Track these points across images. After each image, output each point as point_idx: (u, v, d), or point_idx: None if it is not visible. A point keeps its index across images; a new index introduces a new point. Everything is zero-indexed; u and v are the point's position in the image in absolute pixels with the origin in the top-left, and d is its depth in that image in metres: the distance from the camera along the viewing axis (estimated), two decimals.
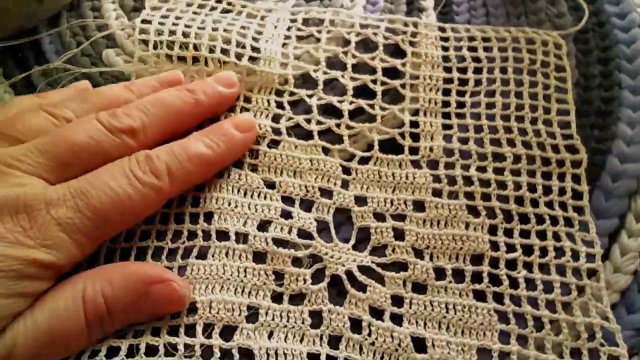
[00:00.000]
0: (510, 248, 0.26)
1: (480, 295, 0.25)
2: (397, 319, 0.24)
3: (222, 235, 0.26)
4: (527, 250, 0.26)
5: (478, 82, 0.32)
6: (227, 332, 0.24)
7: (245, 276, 0.25)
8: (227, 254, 0.26)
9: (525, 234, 0.26)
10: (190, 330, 0.23)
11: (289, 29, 0.34)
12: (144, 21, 0.33)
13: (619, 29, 0.34)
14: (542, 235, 0.26)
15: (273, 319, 0.24)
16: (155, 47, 0.32)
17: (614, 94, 0.31)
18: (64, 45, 0.33)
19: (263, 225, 0.27)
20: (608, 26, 0.34)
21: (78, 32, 0.34)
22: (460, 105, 0.31)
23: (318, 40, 0.33)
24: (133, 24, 0.34)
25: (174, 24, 0.33)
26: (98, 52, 0.33)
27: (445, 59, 0.33)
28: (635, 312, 0.24)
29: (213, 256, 0.26)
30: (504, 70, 0.32)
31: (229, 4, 0.35)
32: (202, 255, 0.26)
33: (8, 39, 0.32)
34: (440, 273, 0.25)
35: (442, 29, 0.34)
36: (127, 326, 0.23)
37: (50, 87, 0.32)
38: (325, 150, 0.29)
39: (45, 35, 0.34)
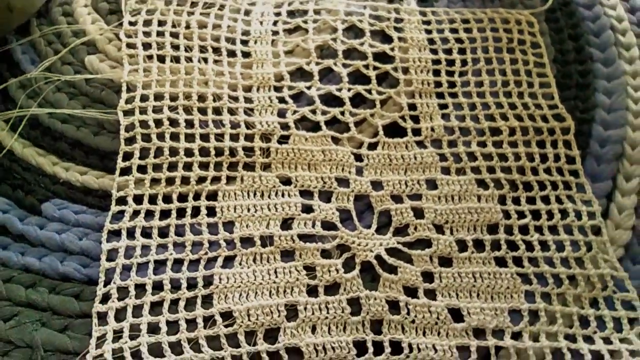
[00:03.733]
0: (520, 215, 0.28)
1: (501, 262, 0.26)
2: (430, 294, 0.25)
3: (247, 241, 0.26)
4: (535, 215, 0.28)
5: (464, 62, 0.33)
6: (271, 334, 0.24)
7: (276, 277, 0.25)
8: (254, 260, 0.26)
9: (531, 200, 0.28)
10: (232, 341, 0.23)
11: (275, 23, 0.34)
12: (130, 23, 0.31)
13: (582, 6, 0.37)
14: (545, 200, 0.28)
15: (313, 313, 0.24)
16: (144, 50, 0.31)
17: (588, 67, 0.34)
18: (40, 54, 0.31)
19: (286, 223, 0.27)
20: (573, 5, 0.37)
21: (53, 39, 0.32)
22: (451, 84, 0.32)
23: (306, 31, 0.33)
24: (113, 27, 0.32)
25: (160, 23, 0.32)
26: (79, 59, 0.31)
27: (430, 41, 0.34)
28: None
29: (240, 264, 0.25)
30: (485, 50, 0.34)
31: None
32: (228, 264, 0.25)
33: None
34: (462, 245, 0.27)
35: (423, 13, 0.35)
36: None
37: (31, 99, 0.30)
38: (335, 140, 0.29)
39: (17, 45, 0.31)
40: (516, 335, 0.24)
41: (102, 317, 0.23)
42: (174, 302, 0.24)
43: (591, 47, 0.35)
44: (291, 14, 0.34)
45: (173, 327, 0.23)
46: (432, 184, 0.29)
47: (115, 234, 0.26)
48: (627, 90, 0.33)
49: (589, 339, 0.24)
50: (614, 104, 0.32)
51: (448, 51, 0.34)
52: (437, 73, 0.33)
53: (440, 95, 0.32)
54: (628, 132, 0.31)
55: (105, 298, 0.24)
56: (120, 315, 0.24)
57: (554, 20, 0.36)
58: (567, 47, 0.35)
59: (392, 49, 0.33)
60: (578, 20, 0.36)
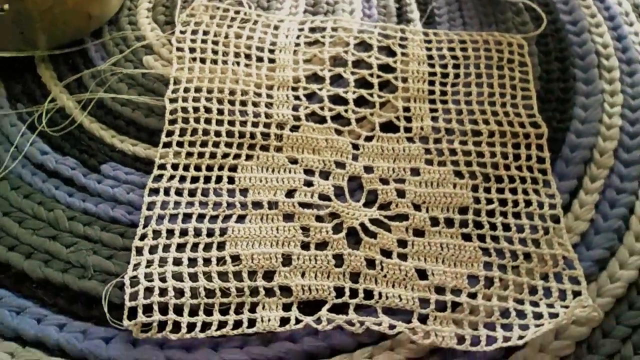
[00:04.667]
0: (489, 201, 0.33)
1: (467, 237, 0.31)
2: (402, 257, 0.30)
3: (257, 205, 0.32)
4: (502, 202, 0.33)
5: (457, 76, 0.39)
6: (268, 275, 0.29)
7: (277, 233, 0.31)
8: (262, 219, 0.32)
9: (500, 190, 0.33)
10: (237, 277, 0.29)
11: (298, 36, 0.41)
12: (181, 32, 0.39)
13: (572, 33, 0.42)
14: (513, 191, 0.33)
15: (304, 262, 0.30)
16: (190, 53, 0.38)
17: (570, 85, 0.39)
18: (108, 53, 0.39)
19: (290, 193, 0.33)
20: (563, 32, 0.42)
21: (119, 42, 0.40)
22: (443, 93, 0.38)
23: (323, 44, 0.40)
24: (167, 35, 0.40)
25: (204, 33, 0.39)
26: (138, 58, 0.39)
27: (429, 57, 0.40)
28: (592, 249, 0.31)
29: (250, 221, 0.31)
30: (477, 66, 0.39)
31: (246, 14, 0.41)
32: (241, 220, 0.31)
33: (60, 49, 0.38)
34: (435, 221, 0.32)
35: (426, 34, 0.41)
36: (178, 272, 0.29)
37: (99, 86, 0.37)
38: (338, 132, 0.35)
39: (91, 45, 0.40)
40: (471, 296, 0.29)
41: (139, 251, 0.30)
42: (195, 245, 0.30)
43: (575, 68, 0.40)
44: (312, 30, 0.41)
45: (192, 262, 0.30)
46: (415, 172, 0.34)
47: (154, 192, 0.32)
48: (604, 106, 0.38)
49: (534, 304, 0.29)
50: (589, 116, 0.37)
51: (444, 66, 0.39)
52: (432, 83, 0.38)
53: (432, 102, 0.37)
54: (599, 141, 0.36)
55: (143, 237, 0.30)
56: (152, 251, 0.30)
57: (544, 44, 0.41)
58: (552, 67, 0.40)
59: (395, 62, 0.39)
60: (566, 45, 0.41)
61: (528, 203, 0.33)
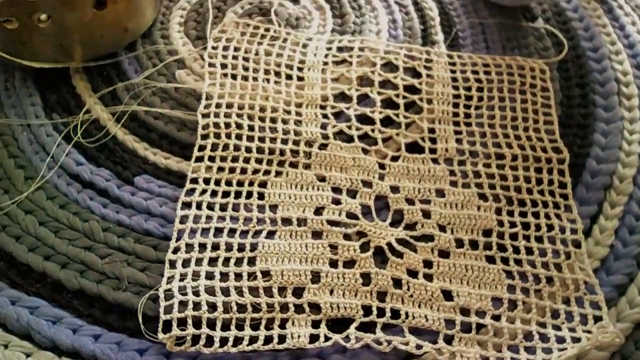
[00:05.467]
0: (512, 224, 0.33)
1: (491, 259, 0.32)
2: (428, 278, 0.31)
3: (286, 221, 0.33)
4: (525, 226, 0.33)
5: (480, 99, 0.40)
6: (298, 292, 0.30)
7: (306, 250, 0.32)
8: (291, 235, 0.32)
9: (523, 214, 0.34)
10: (267, 292, 0.30)
11: (326, 55, 0.42)
12: (212, 48, 0.40)
13: (592, 60, 0.43)
14: (536, 215, 0.34)
15: (332, 280, 0.31)
16: (221, 69, 0.39)
17: (590, 111, 0.40)
18: (141, 66, 0.40)
19: (318, 211, 0.34)
20: (584, 58, 0.43)
21: (152, 55, 0.41)
22: (467, 116, 0.39)
23: (350, 63, 0.41)
24: (199, 50, 0.41)
25: (236, 49, 0.40)
26: (171, 72, 0.40)
27: (454, 79, 0.41)
28: (612, 274, 0.32)
29: (280, 237, 0.32)
30: (500, 90, 0.40)
31: (275, 31, 0.42)
32: (270, 236, 0.32)
33: (94, 61, 0.39)
34: (459, 243, 0.33)
35: (450, 56, 0.42)
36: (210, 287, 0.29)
37: (132, 99, 0.38)
38: (365, 151, 0.36)
39: (125, 58, 0.41)
40: (495, 318, 0.30)
41: (172, 264, 0.31)
42: (226, 260, 0.31)
43: (595, 94, 0.41)
44: (340, 49, 0.42)
45: (224, 277, 0.30)
46: (440, 193, 0.35)
47: (187, 205, 0.33)
48: (623, 133, 0.38)
49: (557, 328, 0.29)
50: (609, 143, 0.38)
51: (468, 88, 0.40)
52: (456, 105, 0.39)
53: (456, 124, 0.38)
54: (618, 167, 0.36)
55: (176, 250, 0.31)
56: (185, 264, 0.31)
57: (565, 69, 0.42)
58: (573, 93, 0.41)
59: (420, 83, 0.40)
60: (587, 71, 0.42)
61: (550, 227, 0.33)
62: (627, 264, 0.32)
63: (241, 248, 0.32)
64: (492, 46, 0.44)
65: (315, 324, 0.29)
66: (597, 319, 0.30)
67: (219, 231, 0.32)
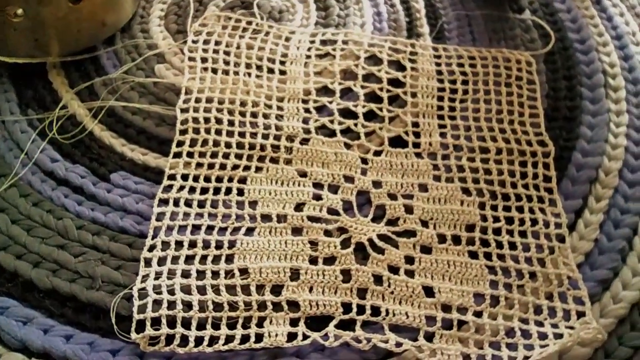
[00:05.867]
0: (496, 219, 0.33)
1: (473, 255, 0.31)
2: (410, 274, 0.30)
3: (266, 217, 0.32)
4: (509, 220, 0.33)
5: (465, 92, 0.39)
6: (276, 290, 0.29)
7: (286, 246, 0.31)
8: (270, 232, 0.32)
9: (507, 208, 0.33)
10: (245, 291, 0.29)
11: (309, 49, 0.41)
12: (193, 42, 0.39)
13: (579, 52, 0.42)
14: (519, 209, 0.33)
15: (312, 277, 0.30)
16: (202, 63, 0.38)
17: (577, 104, 0.39)
18: (120, 61, 0.39)
19: (298, 207, 0.33)
20: (571, 50, 0.42)
21: (131, 50, 0.40)
22: (452, 109, 0.38)
23: (334, 57, 0.40)
24: (179, 44, 0.40)
25: (216, 43, 0.39)
26: (150, 66, 0.39)
27: (438, 72, 0.40)
28: (596, 269, 0.31)
29: (259, 234, 0.32)
30: (485, 83, 0.39)
31: (258, 24, 0.42)
32: (249, 233, 0.32)
33: (72, 56, 0.39)
34: (442, 238, 0.32)
35: (435, 49, 0.41)
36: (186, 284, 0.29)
37: (110, 94, 0.37)
38: (347, 146, 0.36)
39: (103, 52, 0.40)
40: (477, 314, 0.29)
41: (148, 262, 0.30)
42: (204, 257, 0.30)
43: (582, 87, 0.40)
44: (323, 42, 0.41)
45: (200, 275, 0.30)
46: (423, 188, 0.34)
47: (164, 202, 0.32)
48: (609, 125, 0.38)
49: (539, 324, 0.29)
50: (595, 136, 0.37)
51: (453, 81, 0.39)
52: (440, 99, 0.39)
53: (440, 117, 0.38)
54: (604, 161, 0.36)
55: (151, 248, 0.31)
56: (161, 262, 0.30)
57: (552, 62, 0.42)
58: (560, 85, 0.40)
59: (405, 77, 0.39)
60: (574, 63, 0.41)
61: (534, 222, 0.33)
62: (612, 259, 0.31)
63: (219, 245, 0.31)
64: (478, 38, 0.43)
65: (294, 322, 0.29)
66: (581, 314, 0.29)
67: (196, 228, 0.32)
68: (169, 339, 0.27)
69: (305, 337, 0.28)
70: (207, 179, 0.34)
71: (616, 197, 0.34)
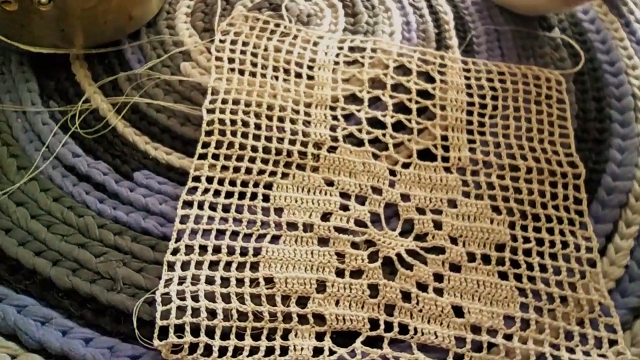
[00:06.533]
0: (526, 240, 0.32)
1: (503, 276, 0.31)
2: (438, 292, 0.30)
3: (292, 226, 0.31)
4: (539, 242, 0.32)
5: (495, 107, 0.38)
6: (302, 301, 0.29)
7: (312, 257, 0.30)
8: (296, 241, 0.31)
9: (537, 229, 0.33)
10: (270, 300, 0.28)
11: (337, 55, 0.40)
12: (220, 41, 0.38)
13: (609, 73, 0.42)
14: (550, 231, 0.33)
15: (338, 290, 0.29)
16: (228, 63, 0.37)
17: (606, 126, 0.39)
18: (145, 56, 0.39)
19: (325, 216, 0.32)
20: (600, 71, 0.42)
21: (157, 45, 0.39)
22: (481, 124, 0.37)
23: (362, 64, 0.40)
24: (206, 42, 0.39)
25: (244, 44, 0.39)
26: (176, 64, 0.38)
27: (468, 86, 0.39)
28: (627, 296, 0.31)
29: (285, 243, 0.31)
30: (515, 99, 0.39)
31: (286, 27, 0.41)
32: (275, 241, 0.31)
33: (96, 49, 0.38)
34: (471, 257, 0.31)
35: (465, 62, 0.41)
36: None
37: (134, 90, 0.37)
38: (375, 156, 0.35)
39: (128, 47, 0.39)
40: (507, 337, 0.29)
41: (171, 266, 0.29)
42: (228, 264, 0.30)
43: (612, 109, 0.40)
44: (352, 49, 0.41)
45: (225, 282, 0.29)
46: (452, 204, 0.33)
47: (188, 204, 0.31)
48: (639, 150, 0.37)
49: (570, 350, 0.28)
50: (625, 160, 0.37)
51: (482, 96, 0.39)
52: (470, 113, 0.38)
53: (470, 132, 0.37)
54: (634, 185, 0.35)
55: (175, 252, 0.30)
56: (184, 266, 0.29)
57: (581, 82, 0.41)
58: (589, 107, 0.40)
59: (434, 89, 0.39)
60: (603, 84, 0.41)
61: (565, 244, 0.32)
62: None
63: (244, 252, 0.30)
64: (507, 54, 0.42)
65: (320, 336, 0.28)
66: (612, 342, 0.29)
67: (220, 233, 0.31)
68: (192, 347, 0.26)
69: (331, 352, 0.27)
70: (233, 183, 0.33)
71: None
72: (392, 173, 0.34)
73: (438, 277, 0.30)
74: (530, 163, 0.36)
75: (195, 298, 0.28)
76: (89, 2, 0.35)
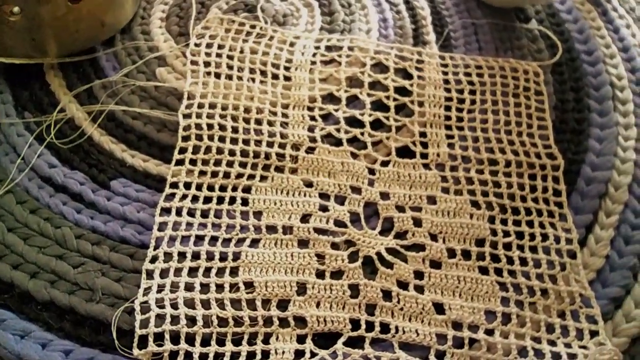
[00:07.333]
0: (506, 234, 0.32)
1: (484, 270, 0.31)
2: (419, 289, 0.30)
3: (271, 229, 0.31)
4: (519, 235, 0.32)
5: (473, 102, 0.38)
6: (282, 304, 0.29)
7: (292, 259, 0.30)
8: (276, 244, 0.31)
9: (517, 222, 0.33)
10: (250, 305, 0.28)
11: (314, 55, 0.40)
12: (195, 45, 0.38)
13: (587, 63, 0.42)
14: (530, 224, 0.33)
15: (319, 292, 0.29)
16: (204, 67, 0.37)
17: (585, 116, 0.39)
18: (120, 63, 0.38)
19: (305, 218, 0.32)
20: (578, 61, 0.42)
21: (132, 52, 0.39)
22: (459, 119, 0.37)
23: (339, 63, 0.39)
24: (181, 47, 0.39)
25: (219, 47, 0.38)
26: (151, 69, 0.38)
27: (446, 81, 0.39)
28: (608, 286, 0.31)
29: (264, 246, 0.31)
30: (493, 93, 0.39)
31: (262, 28, 0.41)
32: (254, 245, 0.31)
33: (70, 57, 0.37)
34: (451, 253, 0.31)
35: (442, 57, 0.41)
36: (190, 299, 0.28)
37: (110, 98, 0.36)
38: (354, 155, 0.35)
39: (102, 54, 0.38)
40: (489, 332, 0.29)
41: (149, 274, 0.29)
42: (207, 270, 0.29)
43: (590, 99, 0.40)
44: (328, 48, 0.40)
45: (204, 288, 0.29)
46: (432, 200, 0.33)
47: (166, 211, 0.31)
48: (618, 139, 0.37)
49: (552, 343, 0.28)
50: (604, 149, 0.37)
51: (460, 91, 0.39)
52: (448, 108, 0.38)
53: (448, 127, 0.37)
54: (613, 175, 0.36)
55: (153, 260, 0.29)
56: (163, 274, 0.29)
57: (559, 72, 0.41)
58: (567, 97, 0.40)
59: (411, 85, 0.39)
60: (581, 74, 0.41)
61: (545, 237, 0.32)
62: (623, 276, 0.31)
63: (223, 257, 0.30)
64: (485, 47, 0.42)
65: (301, 339, 0.28)
66: (594, 333, 0.29)
67: (199, 239, 0.31)
68: (172, 355, 0.26)
69: (312, 354, 0.27)
70: (211, 188, 0.33)
71: (626, 213, 0.34)
72: (371, 172, 0.34)
73: (419, 275, 0.30)
74: (509, 156, 0.36)
75: (174, 305, 0.28)
76: (58, 11, 0.34)
